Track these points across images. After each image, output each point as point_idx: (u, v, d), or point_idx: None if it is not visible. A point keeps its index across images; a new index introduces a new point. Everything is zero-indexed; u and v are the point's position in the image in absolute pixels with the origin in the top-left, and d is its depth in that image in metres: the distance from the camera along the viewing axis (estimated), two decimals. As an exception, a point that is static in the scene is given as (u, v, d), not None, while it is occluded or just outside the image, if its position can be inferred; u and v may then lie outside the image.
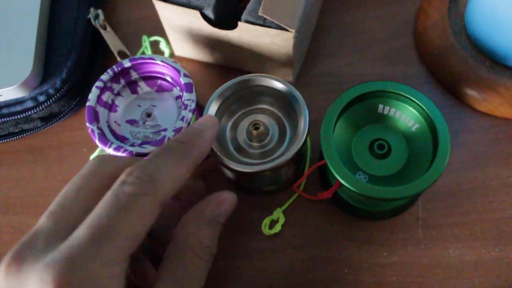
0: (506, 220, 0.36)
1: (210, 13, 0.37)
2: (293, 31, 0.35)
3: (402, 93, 0.33)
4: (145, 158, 0.27)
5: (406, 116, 0.34)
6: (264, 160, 0.33)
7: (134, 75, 0.37)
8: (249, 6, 0.36)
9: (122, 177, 0.25)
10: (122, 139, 0.35)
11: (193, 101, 0.34)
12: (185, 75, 0.35)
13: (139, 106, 0.37)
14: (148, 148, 0.32)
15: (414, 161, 0.33)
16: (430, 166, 0.31)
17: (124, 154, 0.33)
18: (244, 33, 0.37)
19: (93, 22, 0.43)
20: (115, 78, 0.36)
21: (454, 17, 0.42)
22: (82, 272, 0.22)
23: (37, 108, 0.40)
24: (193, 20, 0.38)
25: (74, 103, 0.43)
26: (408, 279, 0.35)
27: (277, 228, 0.37)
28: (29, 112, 0.40)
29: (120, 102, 0.37)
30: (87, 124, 0.34)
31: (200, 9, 0.37)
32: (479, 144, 0.39)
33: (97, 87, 0.35)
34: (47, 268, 0.22)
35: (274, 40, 0.37)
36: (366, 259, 0.36)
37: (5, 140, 0.43)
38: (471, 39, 0.40)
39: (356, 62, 0.44)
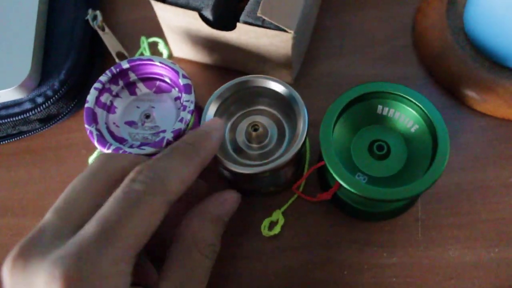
0: (506, 221, 0.36)
1: (208, 14, 0.37)
2: (292, 32, 0.35)
3: (401, 94, 0.33)
4: (153, 157, 0.27)
5: (406, 117, 0.34)
6: (263, 161, 0.33)
7: (132, 76, 0.37)
8: (247, 7, 0.36)
9: (131, 175, 0.25)
10: (120, 140, 0.35)
11: (192, 102, 0.34)
12: (183, 76, 0.35)
13: (137, 107, 0.37)
14: (147, 150, 0.32)
15: (413, 162, 0.33)
16: (429, 167, 0.31)
17: None
18: (243, 34, 0.37)
19: (91, 23, 0.43)
20: (113, 79, 0.36)
21: (452, 18, 0.42)
22: (90, 269, 0.22)
23: (35, 110, 0.40)
24: (191, 21, 0.38)
25: (72, 105, 0.42)
26: (408, 280, 0.35)
27: (277, 229, 0.37)
28: (27, 114, 0.40)
29: (119, 104, 0.37)
30: (86, 126, 0.34)
31: (198, 10, 0.37)
32: (479, 145, 0.39)
33: (95, 88, 0.35)
34: (55, 264, 0.22)
35: (273, 41, 0.37)
36: (366, 260, 0.36)
37: (3, 142, 0.43)
38: (470, 40, 0.40)
39: (355, 63, 0.44)
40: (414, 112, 0.34)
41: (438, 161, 0.30)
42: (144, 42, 0.45)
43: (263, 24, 0.36)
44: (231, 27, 0.37)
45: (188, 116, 0.33)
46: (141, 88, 0.38)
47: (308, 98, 0.37)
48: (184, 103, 0.34)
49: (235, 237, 0.37)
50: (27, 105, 0.40)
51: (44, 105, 0.40)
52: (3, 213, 0.41)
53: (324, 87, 0.43)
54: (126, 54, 0.44)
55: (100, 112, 0.36)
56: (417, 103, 0.33)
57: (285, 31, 0.35)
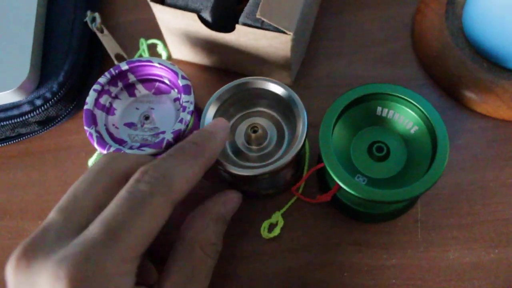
0: (505, 222, 0.36)
1: (207, 16, 0.37)
2: (291, 33, 0.35)
3: (401, 95, 0.33)
4: (158, 157, 0.27)
5: (405, 118, 0.34)
6: (262, 163, 0.33)
7: (131, 77, 0.37)
8: (246, 9, 0.36)
9: (137, 175, 0.25)
10: (120, 142, 0.35)
11: (191, 103, 0.34)
12: (183, 77, 0.35)
13: (137, 109, 0.37)
14: (147, 151, 0.32)
15: (413, 163, 0.33)
16: (429, 168, 0.31)
17: None
18: (242, 36, 0.37)
19: (90, 25, 0.43)
20: (112, 81, 0.36)
21: (451, 18, 0.42)
22: (96, 269, 0.22)
23: (34, 112, 0.40)
24: (190, 23, 0.38)
25: (71, 107, 0.42)
26: (408, 282, 0.35)
27: (276, 231, 0.37)
28: (26, 116, 0.40)
29: (118, 105, 0.37)
30: (85, 128, 0.34)
31: (197, 12, 0.37)
32: (478, 146, 0.39)
33: (94, 90, 0.35)
34: (60, 263, 0.22)
35: (272, 43, 0.37)
36: (366, 262, 0.36)
37: (2, 145, 0.43)
38: (469, 41, 0.40)
39: (354, 64, 0.44)
40: (413, 113, 0.34)
41: (437, 162, 0.30)
42: (143, 44, 0.45)
43: (262, 26, 0.36)
44: (230, 29, 0.37)
45: (188, 117, 0.33)
46: (140, 89, 0.38)
47: (308, 100, 0.37)
48: (184, 104, 0.34)
49: (234, 239, 0.37)
50: (26, 108, 0.40)
51: (42, 107, 0.40)
52: (1, 216, 0.41)
53: (323, 88, 0.43)
54: (125, 56, 0.44)
55: (99, 114, 0.35)
56: (416, 104, 0.33)
57: (284, 32, 0.35)
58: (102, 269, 0.22)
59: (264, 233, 0.37)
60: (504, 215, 0.36)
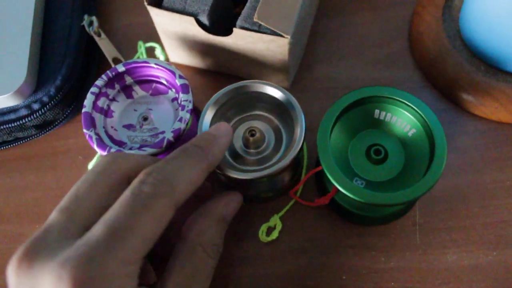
0: (504, 224, 0.36)
1: (205, 20, 0.37)
2: (289, 37, 0.35)
3: (398, 98, 0.33)
4: (159, 156, 0.27)
5: (403, 121, 0.34)
6: (260, 166, 0.33)
7: (128, 79, 0.37)
8: (244, 12, 0.36)
9: (140, 177, 0.25)
10: (120, 143, 0.35)
11: (190, 101, 0.34)
12: (180, 77, 0.35)
13: (135, 110, 0.37)
14: (148, 151, 0.32)
15: (411, 166, 0.33)
16: (427, 171, 0.31)
17: None
18: (239, 39, 0.37)
19: (87, 29, 0.43)
20: (109, 83, 0.36)
21: (448, 21, 0.42)
22: (99, 271, 0.22)
23: (31, 116, 0.40)
24: (188, 26, 0.38)
25: (68, 111, 0.42)
26: (406, 285, 0.35)
27: (274, 234, 0.37)
28: (23, 120, 0.40)
29: (116, 107, 0.37)
30: (84, 130, 0.34)
31: (195, 16, 0.37)
32: (476, 148, 0.39)
33: (92, 93, 0.35)
34: (63, 265, 0.22)
35: (269, 46, 0.37)
36: (364, 265, 0.36)
37: (-1, 149, 0.43)
38: (466, 43, 0.41)
39: (351, 67, 0.44)
40: (411, 116, 0.34)
41: (435, 165, 0.30)
42: (141, 47, 0.45)
43: (259, 29, 0.36)
44: (227, 32, 0.37)
45: (187, 116, 0.33)
46: (138, 91, 0.38)
47: (305, 103, 0.37)
48: (183, 103, 0.34)
49: (233, 242, 0.37)
50: (23, 112, 0.39)
51: (40, 112, 0.40)
52: (-1, 220, 0.41)
53: (321, 91, 0.43)
54: (122, 59, 0.44)
55: (97, 117, 0.35)
56: (414, 107, 0.33)
57: (281, 36, 0.35)
58: (105, 270, 0.22)
59: (262, 237, 0.37)
60: (503, 217, 0.36)
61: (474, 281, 0.35)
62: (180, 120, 0.33)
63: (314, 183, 0.39)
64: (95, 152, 0.42)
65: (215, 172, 0.33)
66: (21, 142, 0.43)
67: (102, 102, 0.36)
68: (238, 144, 0.35)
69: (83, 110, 0.35)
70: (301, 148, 0.32)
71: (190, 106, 0.34)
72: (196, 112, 0.38)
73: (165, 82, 0.37)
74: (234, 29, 0.36)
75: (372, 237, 0.37)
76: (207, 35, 0.38)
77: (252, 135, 0.34)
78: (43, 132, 0.42)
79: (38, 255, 0.23)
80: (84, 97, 0.36)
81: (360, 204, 0.35)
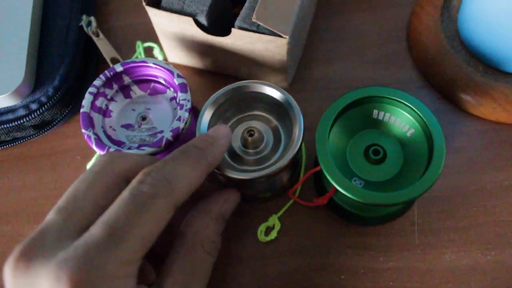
0: (502, 224, 0.36)
1: (203, 20, 0.37)
2: (287, 37, 0.35)
3: (397, 98, 0.33)
4: (157, 156, 0.27)
5: (401, 121, 0.34)
6: (259, 166, 0.33)
7: (126, 79, 0.37)
8: (242, 13, 0.36)
9: (139, 177, 0.25)
10: (118, 143, 0.35)
11: (188, 100, 0.34)
12: (178, 76, 0.35)
13: (133, 110, 0.37)
14: (147, 150, 0.32)
15: (409, 166, 0.33)
16: (425, 171, 0.31)
17: None
18: (238, 40, 0.37)
19: (85, 29, 0.43)
20: (107, 83, 0.36)
21: (447, 21, 0.42)
22: (98, 272, 0.22)
23: (30, 116, 0.40)
24: (186, 27, 0.38)
25: (67, 111, 0.42)
26: (405, 285, 0.35)
27: (273, 234, 0.37)
28: (21, 121, 0.40)
29: (114, 107, 0.37)
30: (83, 130, 0.34)
31: (193, 16, 0.37)
32: (474, 148, 0.39)
33: (90, 93, 0.35)
34: (62, 266, 0.22)
35: (267, 46, 0.37)
36: (363, 265, 0.36)
37: (-3, 149, 0.43)
38: (464, 44, 0.41)
39: (350, 67, 0.44)
40: (409, 116, 0.34)
41: (434, 165, 0.30)
42: (140, 47, 0.45)
43: (258, 30, 0.36)
44: (226, 32, 0.37)
45: (186, 115, 0.33)
46: (136, 90, 0.38)
47: (304, 103, 0.37)
48: (181, 102, 0.34)
49: (231, 242, 0.37)
50: (21, 112, 0.39)
51: (38, 112, 0.40)
52: (-3, 221, 0.41)
53: (320, 91, 0.43)
54: (120, 59, 0.44)
55: (96, 117, 0.35)
56: (412, 107, 0.33)
57: (280, 36, 0.35)
58: (104, 271, 0.22)
59: (261, 237, 0.37)
60: (501, 217, 0.37)
61: (472, 281, 0.35)
62: (179, 119, 0.33)
63: (312, 183, 0.39)
64: (94, 152, 0.42)
65: (214, 172, 0.33)
66: (19, 142, 0.42)
67: (100, 102, 0.36)
68: (237, 144, 0.35)
69: (81, 110, 0.35)
70: (300, 148, 0.32)
71: (189, 105, 0.34)
72: (195, 112, 0.38)
73: (163, 82, 0.37)
74: (233, 30, 0.36)
75: (370, 237, 0.37)
76: (205, 36, 0.38)
77: (251, 135, 0.34)
78: (41, 132, 0.42)
79: (36, 256, 0.23)
80: (82, 97, 0.36)
81: (358, 204, 0.35)
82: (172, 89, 0.37)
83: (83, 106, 0.35)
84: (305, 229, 0.37)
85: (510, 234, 0.36)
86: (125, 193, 0.25)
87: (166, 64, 0.36)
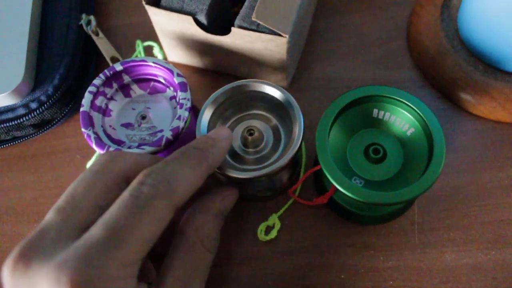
0: (502, 223, 0.36)
1: (203, 19, 0.37)
2: (287, 36, 0.35)
3: (397, 98, 0.33)
4: (157, 155, 0.27)
5: (401, 120, 0.34)
6: (259, 166, 0.33)
7: (126, 78, 0.37)
8: (242, 12, 0.36)
9: (140, 177, 0.25)
10: (118, 142, 0.35)
11: (188, 99, 0.34)
12: (178, 75, 0.35)
13: (133, 109, 0.37)
14: (147, 149, 0.32)
15: (409, 165, 0.33)
16: (425, 170, 0.31)
17: None
18: (238, 39, 0.37)
19: (85, 28, 0.43)
20: (107, 82, 0.36)
21: (446, 21, 0.42)
22: (98, 273, 0.22)
23: (29, 115, 0.40)
24: (186, 26, 0.38)
25: (66, 110, 0.42)
26: (405, 284, 0.35)
27: (273, 234, 0.37)
28: (21, 120, 0.40)
29: (114, 106, 0.37)
30: (83, 129, 0.34)
31: (193, 15, 0.37)
32: (474, 147, 0.39)
33: (90, 92, 0.35)
34: (61, 267, 0.22)
35: (267, 46, 0.37)
36: (363, 264, 0.36)
37: (-3, 148, 0.42)
38: (464, 43, 0.41)
39: (350, 66, 0.44)
40: (409, 115, 0.34)
41: (434, 164, 0.30)
42: (139, 46, 0.45)
43: (257, 29, 0.36)
44: (225, 31, 0.37)
45: (186, 114, 0.33)
46: (136, 90, 0.37)
47: (304, 102, 0.37)
48: (181, 101, 0.34)
49: (232, 241, 0.37)
50: (21, 111, 0.39)
51: (38, 111, 0.40)
52: (-3, 220, 0.40)
53: (320, 90, 0.43)
54: (120, 58, 0.44)
55: (95, 116, 0.35)
56: (412, 106, 0.33)
57: (280, 35, 0.35)
58: (104, 272, 0.22)
59: (261, 236, 0.37)
60: (501, 217, 0.37)
61: (472, 280, 0.35)
62: (179, 118, 0.33)
63: (312, 182, 0.39)
64: (94, 151, 0.42)
65: (214, 171, 0.33)
66: (19, 141, 0.42)
67: (100, 101, 0.36)
68: (237, 144, 0.35)
69: (81, 109, 0.35)
70: (300, 147, 0.32)
71: (189, 104, 0.34)
72: (195, 111, 0.38)
73: (163, 81, 0.37)
74: (232, 29, 0.36)
75: (370, 236, 0.37)
76: (205, 34, 0.38)
77: (251, 134, 0.34)
78: (41, 131, 0.42)
79: (35, 256, 0.22)
80: (82, 96, 0.36)
81: (358, 203, 0.35)
82: (172, 88, 0.37)
83: (83, 105, 0.35)
84: (305, 228, 0.37)
85: (510, 233, 0.36)
86: (126, 194, 0.24)
87: (165, 63, 0.36)
